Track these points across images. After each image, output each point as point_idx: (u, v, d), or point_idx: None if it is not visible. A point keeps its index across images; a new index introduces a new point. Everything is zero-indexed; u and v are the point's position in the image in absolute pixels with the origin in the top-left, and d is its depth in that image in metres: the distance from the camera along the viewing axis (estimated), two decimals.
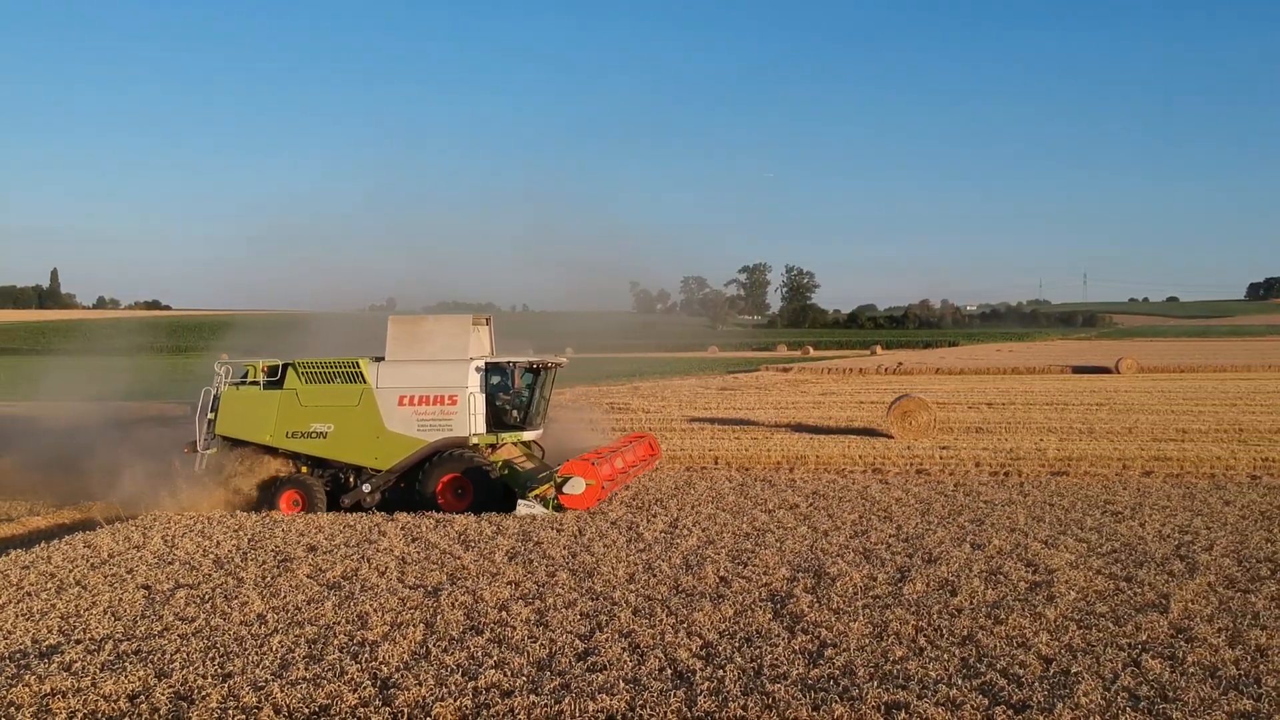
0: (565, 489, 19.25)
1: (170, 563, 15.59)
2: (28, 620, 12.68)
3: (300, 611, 12.92)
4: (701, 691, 9.94)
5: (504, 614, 12.67)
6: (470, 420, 21.05)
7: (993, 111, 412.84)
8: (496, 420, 21.68)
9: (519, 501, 19.50)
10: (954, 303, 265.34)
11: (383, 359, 21.67)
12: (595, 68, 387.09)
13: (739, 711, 9.46)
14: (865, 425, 35.90)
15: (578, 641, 11.61)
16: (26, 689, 10.20)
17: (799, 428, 36.10)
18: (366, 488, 21.33)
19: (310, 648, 11.47)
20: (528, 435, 22.35)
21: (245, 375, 22.44)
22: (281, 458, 22.05)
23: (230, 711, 9.63)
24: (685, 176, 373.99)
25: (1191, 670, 10.39)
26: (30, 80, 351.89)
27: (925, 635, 11.66)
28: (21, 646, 11.69)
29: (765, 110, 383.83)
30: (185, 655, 11.21)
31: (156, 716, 9.56)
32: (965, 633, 11.71)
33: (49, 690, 10.18)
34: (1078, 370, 70.64)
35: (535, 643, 11.56)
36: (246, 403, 21.95)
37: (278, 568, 15.16)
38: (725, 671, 10.50)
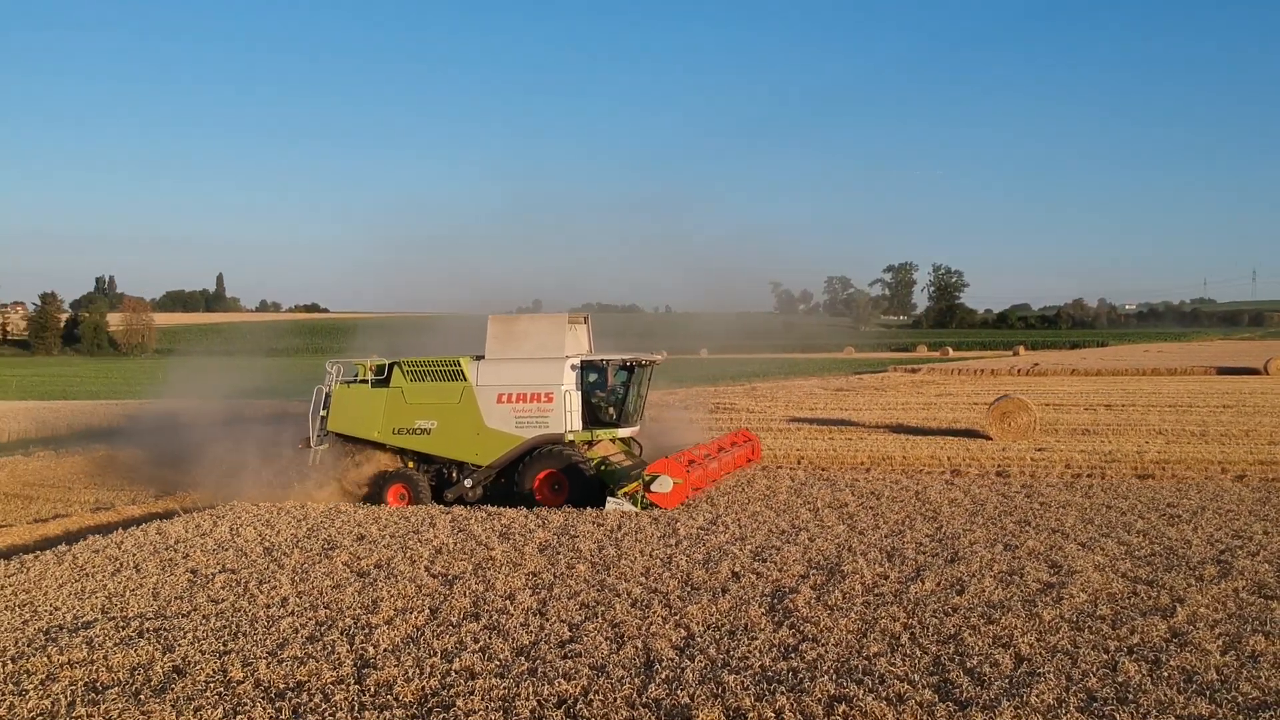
0: (653, 487, 19.45)
1: (226, 549, 16.53)
2: (77, 598, 13.69)
3: (322, 596, 13.62)
4: (658, 680, 10.19)
5: (508, 603, 13.13)
6: (566, 417, 21.58)
7: (1154, 103, 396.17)
8: (592, 417, 22.12)
9: (608, 499, 19.79)
10: (1111, 302, 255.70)
11: (483, 358, 22.33)
12: (740, 67, 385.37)
13: (685, 699, 9.67)
14: (968, 426, 35.27)
15: (566, 630, 11.97)
16: (45, 659, 11.10)
17: (899, 428, 35.70)
18: (468, 483, 22.09)
19: (315, 629, 12.13)
20: (623, 432, 22.74)
21: (356, 374, 23.51)
22: (389, 453, 23.05)
23: (213, 684, 10.31)
24: (829, 175, 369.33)
25: (1167, 674, 10.15)
26: (198, 94, 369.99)
27: (911, 632, 11.63)
28: (61, 622, 12.66)
29: (913, 107, 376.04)
30: (198, 633, 11.99)
31: (148, 687, 10.28)
32: (953, 631, 11.64)
33: (64, 661, 11.05)
34: (1223, 371, 67.55)
35: (525, 629, 11.98)
36: (356, 400, 22.99)
37: (320, 555, 15.94)
38: (693, 662, 10.72)
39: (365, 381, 23.23)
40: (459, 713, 9.44)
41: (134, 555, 16.16)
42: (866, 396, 50.43)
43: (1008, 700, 9.43)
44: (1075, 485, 21.69)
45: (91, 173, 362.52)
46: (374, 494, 22.36)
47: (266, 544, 16.86)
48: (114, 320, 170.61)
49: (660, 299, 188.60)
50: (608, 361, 22.26)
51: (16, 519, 21.31)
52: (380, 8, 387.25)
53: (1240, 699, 9.48)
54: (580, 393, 21.92)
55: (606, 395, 22.51)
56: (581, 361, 22.06)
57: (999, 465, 26.46)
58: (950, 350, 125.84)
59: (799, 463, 27.86)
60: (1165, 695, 9.53)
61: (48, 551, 16.50)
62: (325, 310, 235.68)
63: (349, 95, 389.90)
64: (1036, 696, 9.50)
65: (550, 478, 21.54)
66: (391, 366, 23.01)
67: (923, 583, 13.62)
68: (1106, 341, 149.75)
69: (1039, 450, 29.24)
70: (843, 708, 9.41)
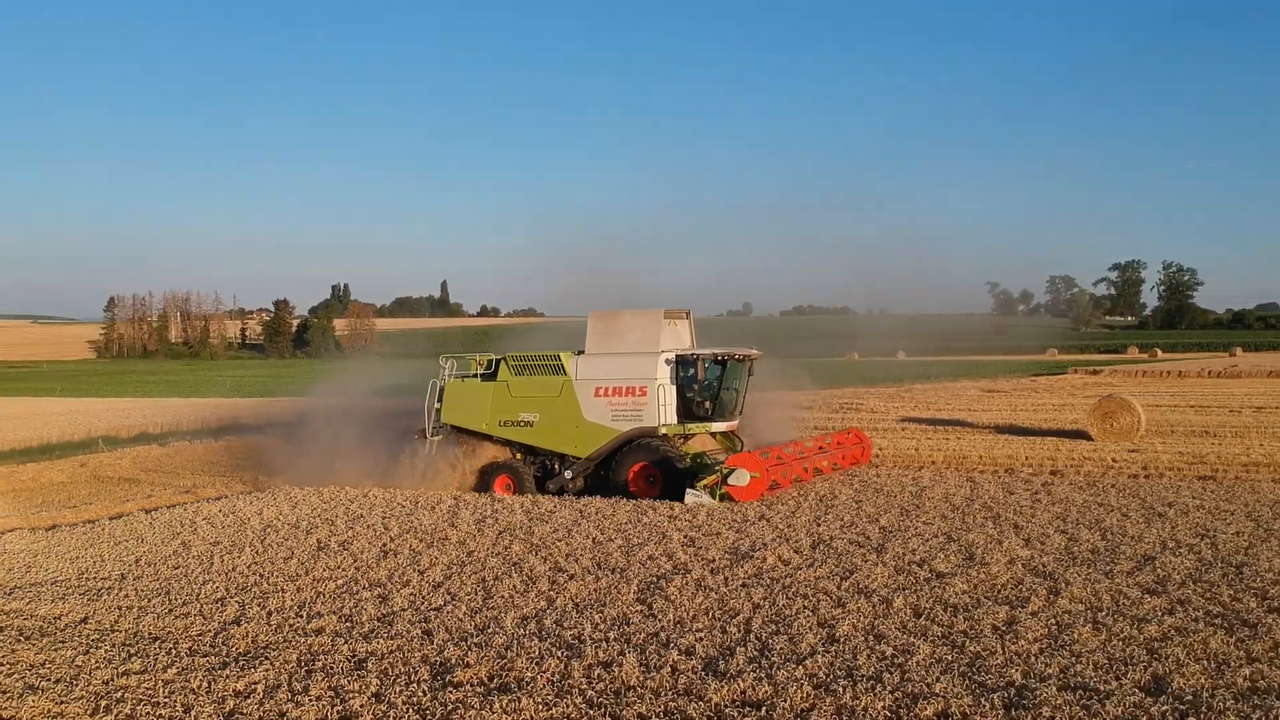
0: (730, 480, 19.80)
1: (236, 526, 18.23)
2: (69, 561, 15.62)
3: (269, 565, 15.04)
4: (466, 643, 11.04)
5: (418, 575, 14.18)
6: (659, 411, 22.19)
7: None
8: (686, 411, 22.61)
9: (687, 491, 20.24)
10: None
11: (583, 352, 23.41)
12: (956, 53, 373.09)
13: (471, 660, 10.50)
14: (1080, 427, 34.10)
15: (442, 599, 12.94)
16: None
17: (1006, 429, 34.97)
18: (568, 474, 23.06)
19: (228, 592, 13.52)
20: (717, 426, 23.14)
21: (469, 369, 25.07)
22: (498, 444, 24.35)
23: (94, 633, 11.84)
24: (1052, 171, 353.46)
25: (952, 657, 10.24)
26: (427, 117, 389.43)
27: (754, 612, 11.98)
28: (35, 579, 14.56)
29: (1141, 94, 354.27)
30: (129, 592, 13.60)
31: (38, 632, 11.91)
32: (793, 613, 11.94)
33: (4, 610, 12.81)
34: None
35: (409, 598, 13.00)
36: (466, 394, 24.52)
37: (304, 532, 17.42)
38: (519, 631, 11.50)
39: (475, 376, 24.64)
40: (264, 661, 10.58)
41: (154, 529, 18.09)
42: (1009, 399, 49.11)
43: (758, 674, 9.82)
44: (1095, 485, 21.04)
45: (331, 183, 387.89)
46: (483, 483, 23.53)
47: (269, 522, 18.47)
48: (340, 325, 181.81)
49: (873, 301, 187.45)
50: (698, 356, 22.57)
51: (110, 499, 23.83)
52: (575, 21, 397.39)
53: (992, 682, 9.55)
54: (675, 387, 22.41)
55: (700, 390, 22.88)
56: (676, 356, 22.53)
57: (1068, 465, 25.88)
58: (1159, 352, 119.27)
59: (872, 461, 27.84)
60: (920, 675, 9.69)
61: (85, 524, 18.62)
62: (541, 315, 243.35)
63: (557, 105, 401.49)
64: (786, 671, 9.86)
65: (644, 470, 22.09)
66: (498, 361, 24.32)
67: (816, 570, 13.89)
68: None
69: (1131, 451, 28.26)
70: (599, 671, 10.04)
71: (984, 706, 8.91)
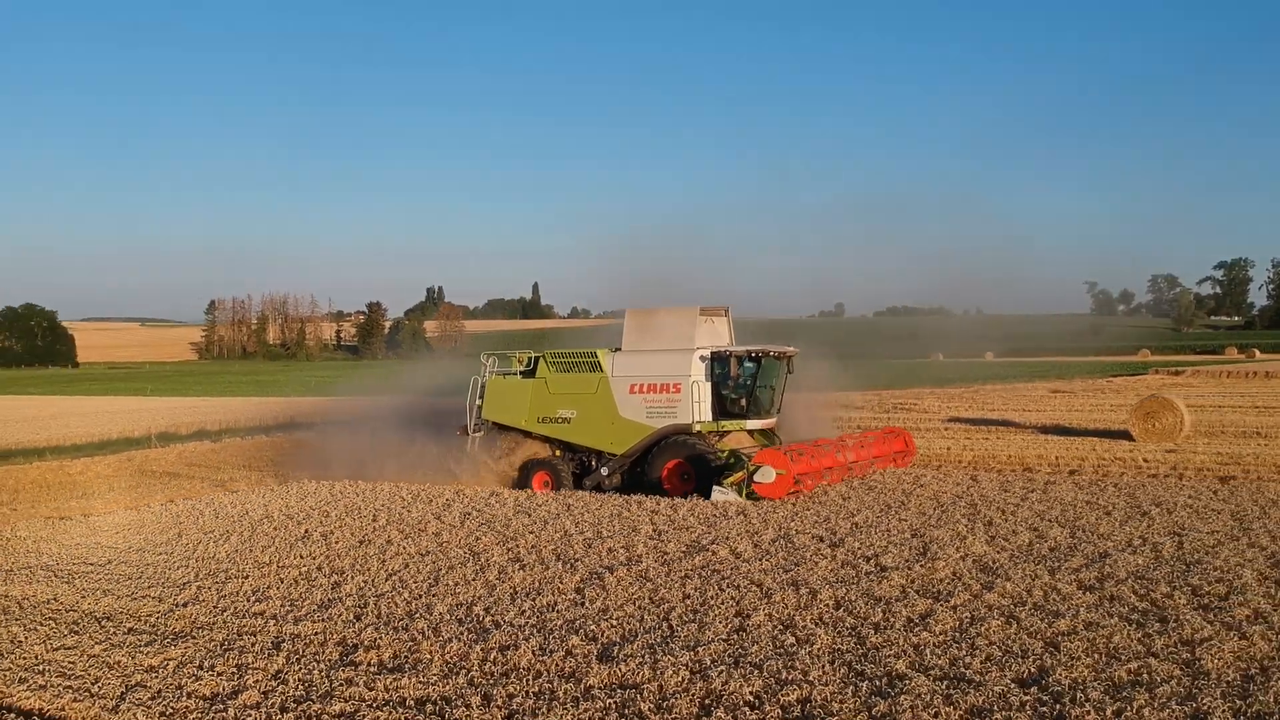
0: (756, 477, 19.85)
1: (236, 517, 18.96)
2: (71, 549, 16.48)
3: (246, 554, 15.67)
4: (393, 627, 11.47)
5: (379, 564, 14.66)
6: (693, 408, 22.24)
7: None
8: (721, 408, 22.66)
9: (714, 488, 20.36)
10: None
11: (620, 349, 23.69)
12: (1051, 51, 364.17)
13: (383, 642, 10.92)
14: (1124, 428, 33.39)
15: (389, 586, 13.39)
16: None
17: (1051, 429, 34.46)
18: (604, 471, 23.28)
19: (195, 578, 14.15)
20: (752, 424, 23.16)
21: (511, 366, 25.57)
22: (537, 440, 24.69)
23: (48, 611, 12.54)
24: (1155, 169, 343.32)
25: (848, 647, 10.33)
26: (512, 129, 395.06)
27: (678, 603, 12.19)
28: (30, 563, 15.46)
29: (1250, 92, 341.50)
30: (105, 577, 14.34)
31: (8, 610, 12.64)
32: (716, 603, 12.11)
33: None
34: None
35: (359, 585, 13.48)
36: (507, 390, 24.94)
37: (297, 523, 18.06)
38: (444, 616, 11.89)
39: (516, 373, 25.10)
40: (189, 640, 11.14)
41: (160, 520, 18.90)
42: (1071, 399, 48.13)
43: (645, 659, 10.06)
44: (1094, 485, 20.72)
45: (428, 191, 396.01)
46: (522, 479, 23.86)
47: (273, 514, 19.15)
48: (430, 327, 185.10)
49: (969, 301, 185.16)
50: (732, 353, 22.58)
51: (144, 492, 24.84)
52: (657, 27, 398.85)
53: (871, 671, 9.63)
54: (709, 384, 22.44)
55: (735, 387, 22.89)
56: (710, 353, 22.57)
57: (1096, 465, 25.47)
58: (1257, 353, 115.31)
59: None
60: (802, 663, 9.83)
61: (102, 515, 19.54)
62: None
63: (635, 108, 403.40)
64: (673, 656, 10.07)
65: (678, 467, 22.17)
66: (538, 359, 24.73)
67: (763, 562, 14.04)
68: None
69: (1169, 451, 27.68)
70: (496, 654, 10.38)
71: (846, 694, 9.03)
